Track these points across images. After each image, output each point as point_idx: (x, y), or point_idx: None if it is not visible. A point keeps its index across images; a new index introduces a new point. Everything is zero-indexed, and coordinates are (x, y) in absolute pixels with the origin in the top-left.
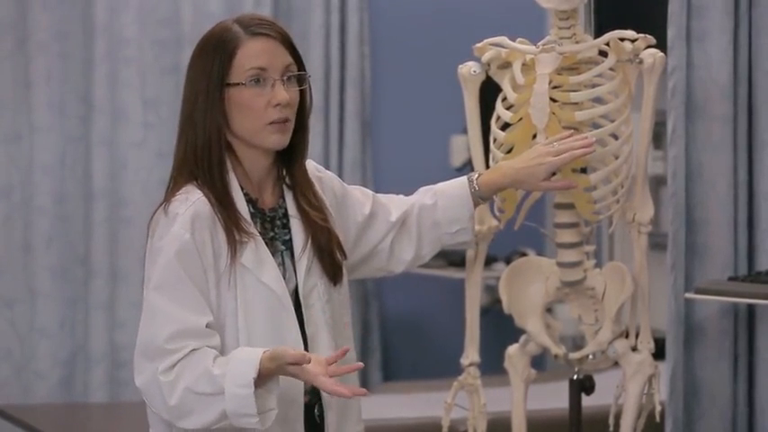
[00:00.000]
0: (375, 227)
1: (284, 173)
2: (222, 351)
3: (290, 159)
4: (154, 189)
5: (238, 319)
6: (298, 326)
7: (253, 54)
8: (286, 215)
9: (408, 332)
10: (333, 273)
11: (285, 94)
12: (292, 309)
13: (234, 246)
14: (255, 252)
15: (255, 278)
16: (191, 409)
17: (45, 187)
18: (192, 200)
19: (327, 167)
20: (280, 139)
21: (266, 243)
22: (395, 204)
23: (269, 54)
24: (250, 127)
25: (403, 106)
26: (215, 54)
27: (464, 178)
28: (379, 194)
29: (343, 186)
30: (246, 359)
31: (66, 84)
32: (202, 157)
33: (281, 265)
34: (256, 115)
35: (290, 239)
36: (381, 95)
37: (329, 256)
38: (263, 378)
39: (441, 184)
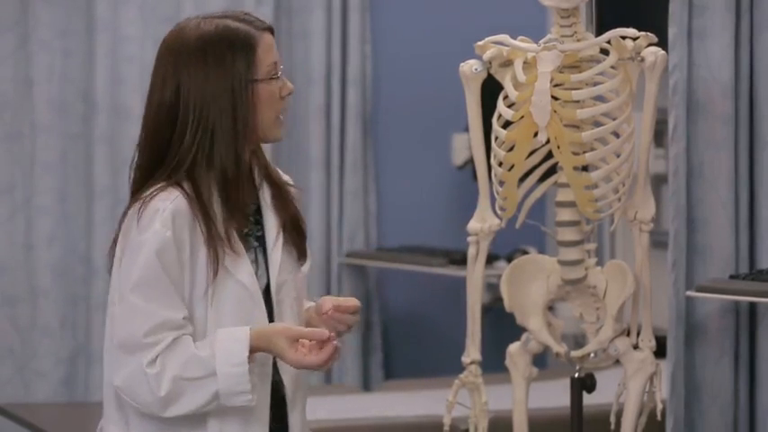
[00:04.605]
0: None
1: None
2: None
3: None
4: None
5: (208, 312)
6: (267, 321)
7: (268, 48)
8: (258, 211)
9: (409, 330)
10: (300, 246)
11: (290, 83)
12: (263, 305)
13: (214, 247)
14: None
15: (230, 275)
16: (180, 395)
17: (46, 185)
18: (172, 197)
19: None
20: (283, 132)
21: (240, 239)
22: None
23: (274, 47)
24: (267, 120)
25: (404, 105)
26: (234, 53)
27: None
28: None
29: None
30: (235, 338)
31: (67, 81)
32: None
33: (254, 261)
34: (273, 108)
35: (263, 236)
36: (382, 94)
37: (297, 225)
38: (250, 357)
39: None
